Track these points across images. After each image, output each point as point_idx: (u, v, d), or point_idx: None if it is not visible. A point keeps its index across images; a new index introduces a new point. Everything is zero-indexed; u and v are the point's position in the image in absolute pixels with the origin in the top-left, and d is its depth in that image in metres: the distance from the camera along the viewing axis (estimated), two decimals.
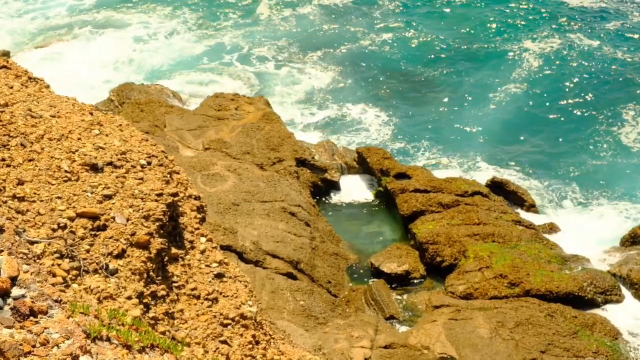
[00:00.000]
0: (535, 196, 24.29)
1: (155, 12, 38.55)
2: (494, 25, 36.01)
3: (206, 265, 8.23)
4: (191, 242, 8.35)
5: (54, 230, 6.76)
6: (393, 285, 20.06)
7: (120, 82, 29.82)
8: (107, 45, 35.17)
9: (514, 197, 23.56)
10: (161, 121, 24.98)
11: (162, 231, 7.65)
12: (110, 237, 7.07)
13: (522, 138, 28.18)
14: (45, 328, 4.73)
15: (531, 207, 23.42)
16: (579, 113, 29.33)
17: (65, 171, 7.51)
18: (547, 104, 30.14)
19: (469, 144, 27.80)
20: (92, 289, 6.52)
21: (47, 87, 9.63)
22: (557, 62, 32.66)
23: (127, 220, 7.31)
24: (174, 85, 30.80)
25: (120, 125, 8.96)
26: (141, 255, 7.16)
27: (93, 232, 7.00)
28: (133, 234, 7.23)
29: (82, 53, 34.30)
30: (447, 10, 37.62)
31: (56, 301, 5.23)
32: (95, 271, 6.73)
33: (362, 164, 24.77)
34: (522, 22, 35.99)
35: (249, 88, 31.14)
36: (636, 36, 34.19)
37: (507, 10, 37.21)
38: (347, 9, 37.78)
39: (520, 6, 37.37)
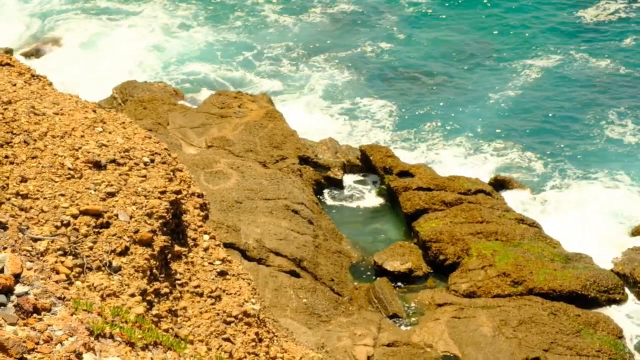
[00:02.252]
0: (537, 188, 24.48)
1: (158, 2, 38.60)
2: (499, 28, 36.06)
3: (209, 263, 8.24)
4: (194, 239, 8.35)
5: (57, 227, 6.76)
6: (396, 284, 20.06)
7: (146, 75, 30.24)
8: (123, 37, 35.26)
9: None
10: (164, 119, 25.00)
11: (165, 229, 7.65)
12: (114, 235, 7.07)
13: (521, 133, 28.23)
14: (49, 325, 4.73)
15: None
16: (575, 114, 29.34)
17: (69, 168, 7.51)
18: (546, 104, 30.20)
19: (470, 137, 27.85)
20: (95, 286, 6.53)
21: (50, 84, 9.64)
22: (557, 70, 32.63)
23: (131, 217, 7.31)
24: (200, 80, 31.27)
25: (124, 122, 8.96)
26: (144, 252, 7.17)
27: (96, 230, 7.00)
28: (136, 232, 7.23)
29: (104, 45, 34.48)
30: (451, 16, 37.73)
31: (59, 298, 5.23)
32: (99, 268, 6.73)
33: (365, 162, 24.75)
34: (531, 30, 36.07)
35: (266, 86, 31.26)
36: None
37: (522, 16, 37.30)
38: (353, 14, 37.90)
39: (534, 15, 37.41)
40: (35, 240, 6.35)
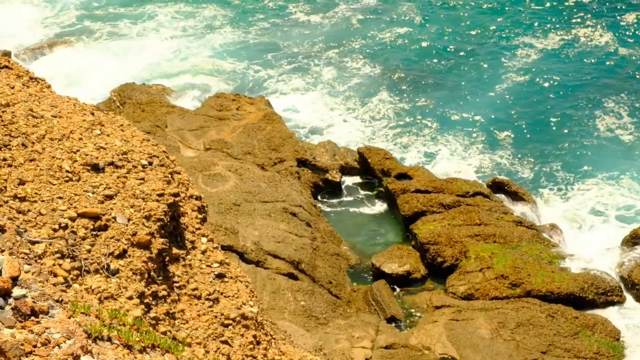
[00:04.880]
0: (535, 194, 24.45)
1: (175, 6, 38.99)
2: (500, 21, 36.31)
3: (207, 266, 8.24)
4: (192, 242, 8.35)
5: (55, 230, 6.77)
6: (394, 286, 20.06)
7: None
8: (141, 39, 35.72)
9: (515, 198, 23.54)
10: (162, 121, 24.99)
11: (163, 231, 7.66)
12: (112, 237, 7.07)
13: (521, 132, 28.30)
14: (47, 328, 4.74)
15: (530, 202, 23.44)
16: (575, 109, 29.39)
17: (67, 171, 7.51)
18: (550, 96, 30.34)
19: (468, 138, 27.95)
20: (93, 289, 6.53)
21: (49, 87, 9.64)
22: (559, 57, 32.85)
23: (128, 220, 7.32)
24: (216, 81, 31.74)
25: (122, 125, 8.97)
26: (142, 255, 7.17)
27: (94, 232, 7.00)
28: (134, 234, 7.24)
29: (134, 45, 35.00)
30: (460, 7, 37.96)
31: (57, 301, 5.23)
32: (97, 271, 6.73)
33: (363, 165, 24.76)
34: (534, 18, 36.33)
35: (271, 88, 31.51)
36: None
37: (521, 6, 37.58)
38: (363, 12, 38.27)
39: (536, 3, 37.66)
40: (33, 243, 6.35)
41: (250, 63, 33.55)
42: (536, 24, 35.73)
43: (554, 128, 28.29)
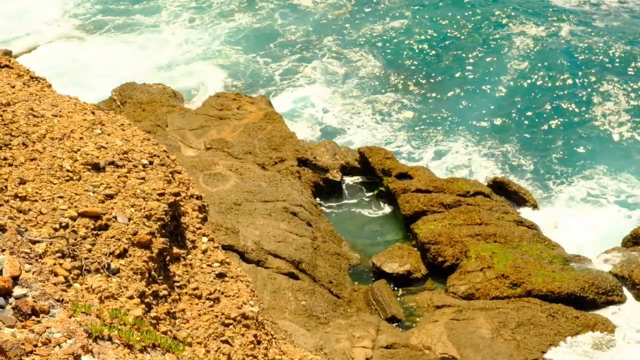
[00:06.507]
0: (535, 194, 24.46)
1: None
2: (494, 17, 36.37)
3: (208, 265, 8.23)
4: (193, 241, 8.35)
5: (55, 229, 6.76)
6: (395, 286, 20.05)
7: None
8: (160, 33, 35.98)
9: (516, 197, 23.53)
10: (163, 121, 24.99)
11: (163, 231, 7.65)
12: (112, 237, 7.07)
13: (519, 130, 28.29)
14: (47, 327, 4.73)
15: (533, 208, 23.39)
16: (575, 105, 29.42)
17: (67, 170, 7.51)
18: (549, 89, 30.39)
19: (468, 137, 27.96)
20: (93, 288, 6.52)
21: (49, 86, 9.64)
22: (560, 52, 32.88)
23: (129, 219, 7.31)
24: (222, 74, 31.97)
25: (122, 124, 8.97)
26: (143, 254, 7.16)
27: (95, 232, 7.00)
28: (135, 234, 7.23)
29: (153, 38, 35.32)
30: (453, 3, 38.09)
31: (58, 301, 5.23)
32: (97, 271, 6.73)
33: (363, 164, 24.74)
34: (529, 12, 36.35)
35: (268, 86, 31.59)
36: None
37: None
38: (355, 3, 38.38)
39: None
40: (34, 242, 6.35)
41: (258, 55, 33.62)
42: (535, 16, 35.75)
43: (556, 122, 28.26)
